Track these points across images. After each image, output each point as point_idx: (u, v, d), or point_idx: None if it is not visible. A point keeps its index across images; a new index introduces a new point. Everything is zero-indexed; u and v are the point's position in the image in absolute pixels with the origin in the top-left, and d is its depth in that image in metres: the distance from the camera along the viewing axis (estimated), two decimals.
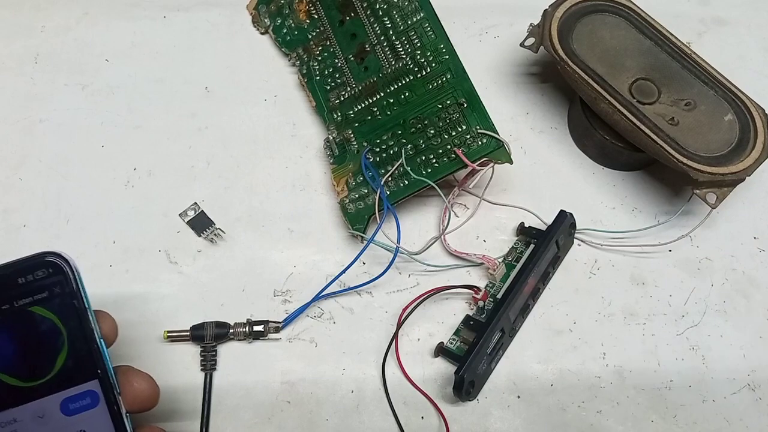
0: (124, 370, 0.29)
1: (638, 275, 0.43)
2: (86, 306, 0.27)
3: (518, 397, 0.39)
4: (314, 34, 0.46)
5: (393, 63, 0.43)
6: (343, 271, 0.40)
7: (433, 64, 0.41)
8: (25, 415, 0.27)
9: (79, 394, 0.27)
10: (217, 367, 0.39)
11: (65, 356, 0.27)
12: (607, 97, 0.42)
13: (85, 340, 0.27)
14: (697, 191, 0.40)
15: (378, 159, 0.42)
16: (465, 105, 0.40)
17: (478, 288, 0.40)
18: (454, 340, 0.40)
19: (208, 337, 0.38)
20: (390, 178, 0.41)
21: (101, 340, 0.28)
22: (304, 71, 0.47)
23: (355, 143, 0.43)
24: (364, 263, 0.42)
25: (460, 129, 0.40)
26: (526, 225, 0.43)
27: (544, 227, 0.42)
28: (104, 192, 0.44)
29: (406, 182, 0.41)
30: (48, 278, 0.27)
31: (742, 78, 0.43)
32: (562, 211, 0.41)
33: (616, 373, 0.39)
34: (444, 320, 0.41)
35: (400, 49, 0.42)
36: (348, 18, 0.45)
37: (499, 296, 0.39)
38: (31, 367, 0.27)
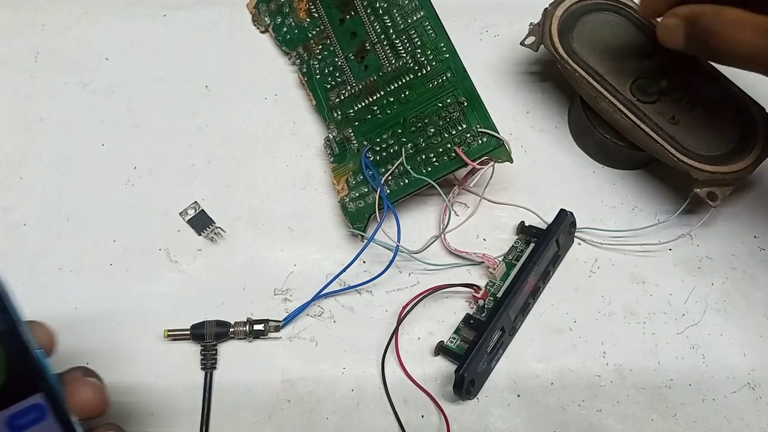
0: (70, 378, 0.27)
1: (638, 274, 0.43)
2: (15, 319, 0.26)
3: (518, 395, 0.39)
4: (314, 32, 0.46)
5: (393, 62, 0.43)
6: (344, 270, 0.40)
7: (434, 63, 0.41)
8: None
9: (24, 409, 0.25)
10: (217, 366, 0.39)
11: (1, 373, 0.25)
12: (608, 95, 0.42)
13: (20, 354, 0.25)
14: (698, 190, 0.40)
15: (378, 158, 0.42)
16: (465, 104, 0.40)
17: (478, 287, 0.40)
18: (454, 338, 0.40)
19: (209, 335, 0.38)
20: (390, 177, 0.41)
21: (39, 351, 0.26)
22: (304, 70, 0.47)
23: (355, 142, 0.43)
24: (364, 262, 0.42)
25: (460, 128, 0.40)
26: (527, 224, 0.43)
27: (544, 226, 0.42)
28: (104, 191, 0.44)
29: (407, 181, 0.41)
30: None
31: (742, 77, 0.43)
32: (562, 210, 0.41)
33: (616, 371, 0.39)
34: (444, 319, 0.41)
35: (401, 48, 0.42)
36: (348, 16, 0.45)
37: (499, 295, 0.40)
38: None
